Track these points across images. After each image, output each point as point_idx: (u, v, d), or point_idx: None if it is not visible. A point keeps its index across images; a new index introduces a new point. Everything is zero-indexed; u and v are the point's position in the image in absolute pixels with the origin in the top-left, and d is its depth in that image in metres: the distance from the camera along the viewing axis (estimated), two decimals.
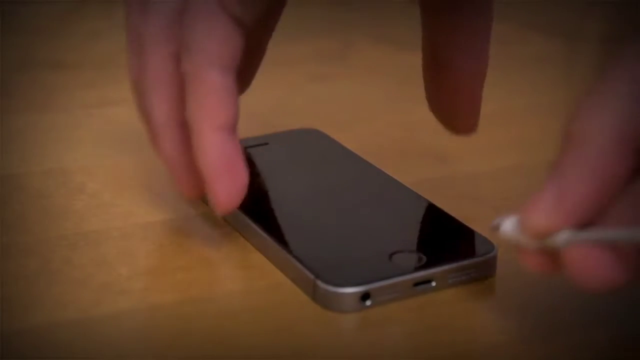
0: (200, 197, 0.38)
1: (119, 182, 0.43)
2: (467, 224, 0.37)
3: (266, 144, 0.45)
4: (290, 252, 0.36)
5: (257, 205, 0.38)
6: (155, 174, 0.44)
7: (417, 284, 0.34)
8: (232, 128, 0.35)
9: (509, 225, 0.30)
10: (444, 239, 0.37)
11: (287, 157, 0.44)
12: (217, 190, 0.35)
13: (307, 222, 0.38)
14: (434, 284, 0.34)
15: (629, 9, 0.68)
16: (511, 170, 0.45)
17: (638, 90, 0.27)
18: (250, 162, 0.43)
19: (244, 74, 0.38)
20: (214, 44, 0.34)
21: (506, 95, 0.54)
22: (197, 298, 0.34)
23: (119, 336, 0.32)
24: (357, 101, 0.53)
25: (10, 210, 0.41)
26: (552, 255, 0.29)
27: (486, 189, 0.43)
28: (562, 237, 0.28)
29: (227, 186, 0.35)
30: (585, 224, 0.28)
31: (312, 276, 0.34)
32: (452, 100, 0.41)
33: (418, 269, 0.35)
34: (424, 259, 0.35)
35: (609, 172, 0.27)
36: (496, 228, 0.31)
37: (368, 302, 0.34)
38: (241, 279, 0.36)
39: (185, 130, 0.35)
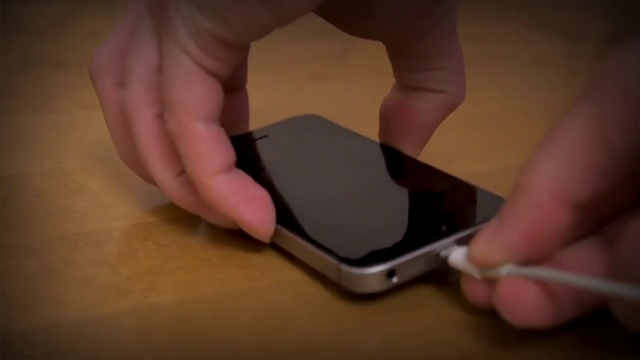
0: None
1: (119, 182, 0.43)
2: (475, 184, 0.37)
3: (266, 136, 0.45)
4: (308, 240, 0.35)
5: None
6: None
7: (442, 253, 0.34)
8: (231, 167, 0.36)
9: (458, 255, 0.33)
10: (460, 203, 0.37)
11: (290, 145, 0.44)
12: (247, 223, 0.36)
13: (321, 207, 0.38)
14: None
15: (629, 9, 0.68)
16: (511, 170, 0.45)
17: (579, 147, 0.29)
18: (254, 156, 0.43)
19: (232, 81, 0.38)
20: (195, 101, 0.34)
21: (506, 95, 0.54)
22: (197, 298, 0.35)
23: (119, 336, 0.32)
24: (357, 101, 0.53)
25: (11, 210, 0.41)
26: (493, 288, 0.31)
27: (487, 189, 0.43)
28: (504, 269, 0.31)
29: (254, 215, 0.36)
30: (527, 263, 0.31)
31: (335, 261, 0.34)
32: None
33: (440, 237, 0.34)
34: (444, 227, 0.35)
35: (542, 224, 0.30)
36: (445, 257, 0.34)
37: (395, 279, 0.33)
38: (242, 279, 0.36)
39: None
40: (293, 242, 0.36)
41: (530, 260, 0.31)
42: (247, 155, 0.42)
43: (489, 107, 0.52)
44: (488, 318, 0.33)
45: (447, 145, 0.48)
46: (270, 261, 0.37)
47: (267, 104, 0.52)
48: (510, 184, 0.43)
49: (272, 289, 0.35)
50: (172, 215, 0.40)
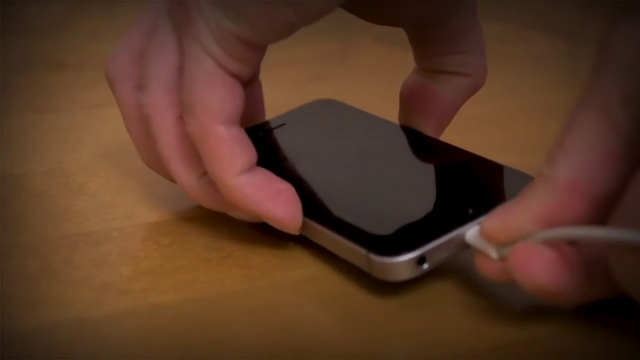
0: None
1: (119, 183, 0.43)
2: (501, 163, 0.37)
3: (283, 124, 0.44)
4: (336, 230, 0.35)
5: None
6: (156, 175, 0.44)
7: None
8: (252, 167, 0.36)
9: (472, 233, 0.33)
10: (486, 184, 0.36)
11: (309, 132, 0.43)
12: (275, 217, 0.36)
13: (346, 195, 0.37)
14: None
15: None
16: None
17: (592, 134, 0.30)
18: (274, 146, 0.42)
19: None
20: (216, 103, 0.34)
21: (506, 95, 0.54)
22: (197, 298, 0.35)
23: (119, 336, 0.32)
24: (357, 101, 0.53)
25: (11, 210, 0.41)
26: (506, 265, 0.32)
27: None
28: (536, 235, 0.31)
29: (280, 209, 0.36)
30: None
31: (363, 251, 0.33)
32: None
33: (468, 220, 0.34)
34: (471, 209, 0.34)
35: (557, 212, 0.31)
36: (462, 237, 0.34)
37: (425, 266, 0.33)
38: (241, 279, 0.36)
39: None
40: (321, 233, 0.36)
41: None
42: (266, 146, 0.41)
43: (489, 106, 0.52)
44: (487, 318, 0.33)
45: None
46: (270, 261, 0.37)
47: (267, 104, 0.52)
48: None
49: (272, 289, 0.35)
50: (172, 216, 0.40)
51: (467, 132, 0.49)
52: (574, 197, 0.30)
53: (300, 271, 0.36)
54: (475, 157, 0.38)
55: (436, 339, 0.32)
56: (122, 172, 0.44)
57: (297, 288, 0.35)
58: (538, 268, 0.31)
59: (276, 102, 0.53)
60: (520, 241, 0.31)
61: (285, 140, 0.42)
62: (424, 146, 0.40)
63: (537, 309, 0.33)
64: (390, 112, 0.52)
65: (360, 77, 0.57)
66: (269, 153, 0.41)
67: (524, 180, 0.35)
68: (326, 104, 0.45)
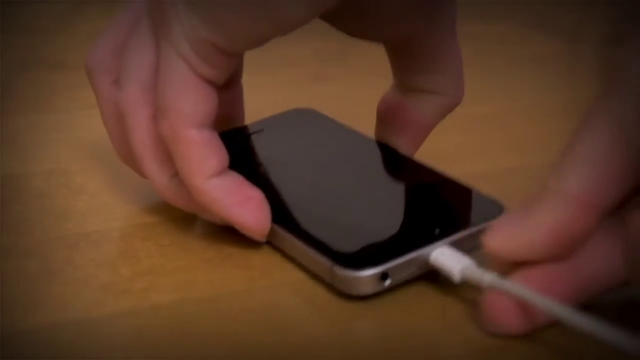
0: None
1: (119, 183, 0.43)
2: (471, 186, 0.37)
3: (262, 130, 0.44)
4: (303, 240, 0.35)
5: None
6: None
7: None
8: (223, 171, 0.36)
9: (439, 254, 0.34)
10: (454, 206, 0.37)
11: (286, 140, 0.43)
12: (242, 223, 0.36)
13: (316, 206, 0.38)
14: None
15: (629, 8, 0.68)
16: (511, 171, 0.45)
17: (603, 150, 0.30)
18: (250, 151, 0.43)
19: (228, 83, 0.39)
20: (189, 107, 0.34)
21: (506, 95, 0.54)
22: (197, 298, 0.35)
23: (120, 336, 0.32)
24: (357, 101, 0.53)
25: (11, 210, 0.41)
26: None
27: (486, 190, 0.43)
28: (486, 278, 0.32)
29: (248, 215, 0.36)
30: (548, 260, 0.31)
31: (328, 262, 0.34)
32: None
33: (433, 240, 0.34)
34: (438, 229, 0.35)
35: (568, 226, 0.31)
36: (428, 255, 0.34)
37: (388, 282, 0.33)
38: (242, 279, 0.36)
39: None
40: (288, 242, 0.36)
41: (551, 258, 0.31)
42: (242, 150, 0.42)
43: (489, 107, 0.52)
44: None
45: (447, 146, 0.48)
46: (270, 261, 0.37)
47: (267, 104, 0.52)
48: (510, 186, 0.43)
49: (272, 289, 0.35)
50: (172, 215, 0.40)
51: (467, 132, 0.49)
52: (586, 211, 0.30)
53: (300, 271, 0.36)
54: (446, 179, 0.39)
55: (435, 339, 0.32)
56: (122, 172, 0.44)
57: (297, 288, 0.35)
58: (500, 323, 0.31)
59: (276, 102, 0.53)
60: (489, 277, 0.32)
61: (261, 146, 0.43)
62: (396, 164, 0.41)
63: None
64: None
65: (360, 77, 0.57)
66: (244, 157, 0.41)
67: (492, 205, 0.36)
68: (306, 114, 0.46)
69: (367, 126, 0.45)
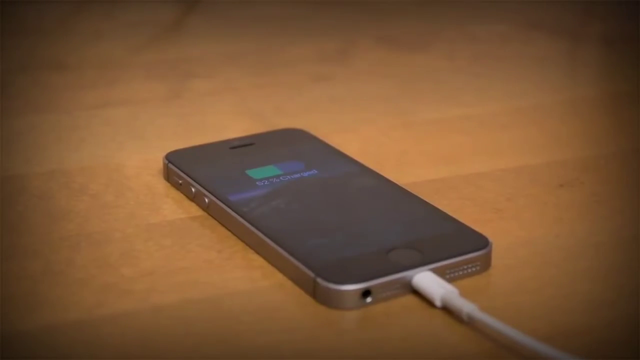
0: None
1: (120, 183, 0.43)
2: (462, 221, 0.38)
3: (253, 143, 0.45)
4: (289, 251, 0.36)
5: (253, 208, 0.39)
6: (156, 175, 0.44)
7: None
8: None
9: (421, 278, 0.34)
10: (440, 235, 0.37)
11: (275, 155, 0.44)
12: None
13: (303, 221, 0.38)
14: None
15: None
16: (513, 171, 0.45)
17: None
18: (241, 162, 0.43)
19: None
20: None
21: (507, 95, 0.54)
22: (199, 299, 0.35)
23: (121, 337, 0.32)
24: (358, 101, 0.53)
25: (12, 211, 0.41)
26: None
27: (488, 190, 0.43)
28: (466, 308, 0.32)
29: None
30: None
31: (312, 275, 0.34)
32: None
33: (417, 265, 0.35)
34: (421, 255, 0.35)
35: None
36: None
37: (369, 299, 0.34)
38: (243, 280, 0.36)
39: None
40: (273, 251, 0.36)
41: None
42: (234, 161, 0.43)
43: (490, 107, 0.52)
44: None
45: (448, 146, 0.48)
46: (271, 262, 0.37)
47: (267, 104, 0.52)
48: (513, 186, 0.43)
49: (273, 290, 0.35)
50: (173, 217, 0.40)
51: (467, 132, 0.49)
52: None
53: None
54: (433, 209, 0.39)
55: (436, 340, 0.32)
56: (123, 173, 0.44)
57: (298, 289, 0.35)
58: None
59: (276, 102, 0.53)
60: (469, 308, 0.32)
61: (252, 159, 0.43)
62: (383, 190, 0.41)
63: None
64: (390, 111, 0.52)
65: (360, 77, 0.57)
66: (235, 168, 0.42)
67: (478, 239, 0.37)
68: (296, 134, 0.47)
69: (367, 125, 0.45)
